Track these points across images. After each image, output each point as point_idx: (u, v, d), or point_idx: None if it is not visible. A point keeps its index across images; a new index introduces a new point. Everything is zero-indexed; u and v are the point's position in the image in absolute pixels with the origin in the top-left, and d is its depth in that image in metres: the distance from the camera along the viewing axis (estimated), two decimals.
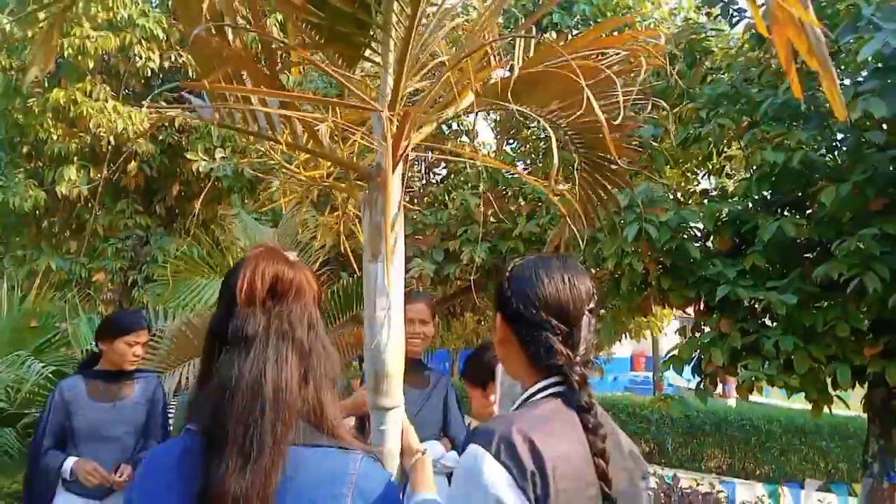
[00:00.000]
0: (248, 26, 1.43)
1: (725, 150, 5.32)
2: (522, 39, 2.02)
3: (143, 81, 8.39)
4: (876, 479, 4.36)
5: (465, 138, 7.80)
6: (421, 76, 1.79)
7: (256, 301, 1.16)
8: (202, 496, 1.08)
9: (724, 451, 11.26)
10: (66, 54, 7.15)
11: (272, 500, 1.08)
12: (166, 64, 8.08)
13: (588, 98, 1.64)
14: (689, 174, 6.29)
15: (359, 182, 1.78)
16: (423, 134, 1.68)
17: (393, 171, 1.53)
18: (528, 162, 7.36)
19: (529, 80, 1.77)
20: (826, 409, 4.33)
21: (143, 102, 7.77)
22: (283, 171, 1.81)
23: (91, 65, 7.44)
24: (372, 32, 1.54)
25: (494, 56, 1.88)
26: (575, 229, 2.64)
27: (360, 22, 1.48)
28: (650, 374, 19.33)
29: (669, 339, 12.28)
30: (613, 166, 2.48)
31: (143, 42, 7.72)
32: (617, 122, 1.84)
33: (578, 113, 1.79)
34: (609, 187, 2.56)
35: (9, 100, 7.74)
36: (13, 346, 5.81)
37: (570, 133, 2.20)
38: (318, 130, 1.62)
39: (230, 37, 1.57)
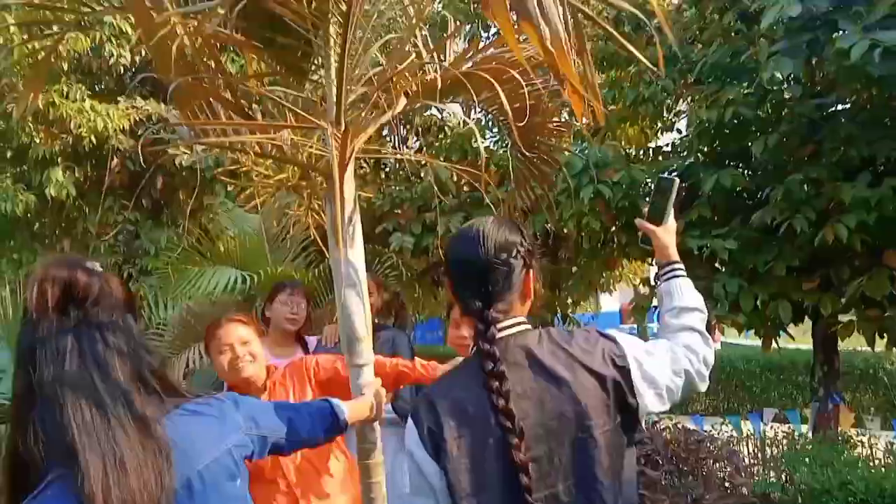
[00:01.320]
0: (215, 72, 1.76)
1: (674, 107, 5.66)
2: (451, 42, 2.35)
3: (115, 77, 8.60)
4: (822, 403, 4.82)
5: (433, 111, 8.07)
6: (362, 83, 2.13)
7: (51, 309, 1.15)
8: None
9: (707, 394, 11.82)
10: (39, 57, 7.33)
11: (156, 486, 1.09)
12: (136, 59, 8.27)
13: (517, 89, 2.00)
14: (646, 130, 6.64)
15: (320, 180, 2.12)
16: (367, 135, 2.01)
17: (342, 173, 1.87)
18: (495, 131, 7.66)
19: (459, 78, 2.11)
20: (774, 344, 4.75)
21: (119, 99, 8.03)
22: (255, 174, 2.15)
23: (65, 66, 7.64)
24: (313, 60, 1.87)
25: (428, 60, 2.20)
26: (525, 195, 3.04)
27: (304, 51, 1.80)
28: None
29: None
30: (544, 142, 2.87)
31: (113, 39, 7.90)
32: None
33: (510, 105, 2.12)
34: (545, 158, 2.93)
35: None
36: None
37: (501, 119, 2.55)
38: (279, 141, 1.96)
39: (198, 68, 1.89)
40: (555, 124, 2.84)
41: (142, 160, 7.96)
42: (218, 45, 1.81)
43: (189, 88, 1.81)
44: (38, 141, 7.87)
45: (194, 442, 1.22)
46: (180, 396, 1.26)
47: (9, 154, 8.38)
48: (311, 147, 2.04)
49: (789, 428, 4.59)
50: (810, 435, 4.48)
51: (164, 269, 6.25)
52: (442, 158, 7.45)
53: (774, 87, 4.41)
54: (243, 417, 1.36)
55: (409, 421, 1.30)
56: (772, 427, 4.92)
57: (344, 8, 1.65)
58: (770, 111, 4.51)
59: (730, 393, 11.55)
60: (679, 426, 3.33)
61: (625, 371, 1.30)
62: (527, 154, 3.03)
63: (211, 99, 1.77)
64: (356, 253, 2.08)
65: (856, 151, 4.01)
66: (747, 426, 5.27)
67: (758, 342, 4.91)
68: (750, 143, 4.51)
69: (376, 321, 3.41)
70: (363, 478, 2.11)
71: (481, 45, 2.28)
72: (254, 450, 1.36)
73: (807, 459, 3.61)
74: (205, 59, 1.72)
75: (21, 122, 7.82)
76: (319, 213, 2.41)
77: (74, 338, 1.15)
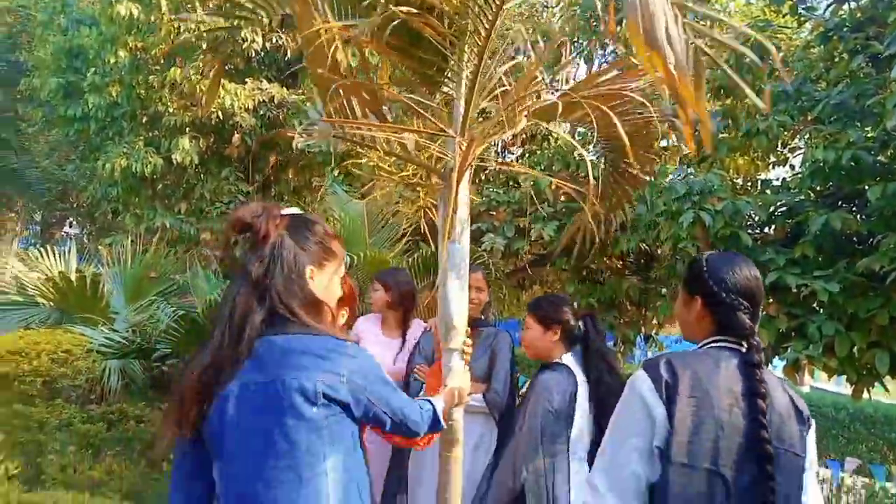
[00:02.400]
0: (365, 79, 1.97)
1: (790, 142, 5.52)
2: (568, 67, 2.48)
3: (246, 59, 9.21)
4: None
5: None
6: (487, 99, 2.29)
7: (231, 241, 1.61)
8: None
9: None
10: (182, 37, 7.97)
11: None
12: (267, 45, 8.82)
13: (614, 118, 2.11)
14: (757, 162, 6.49)
15: (436, 181, 2.31)
16: (484, 146, 2.18)
17: (461, 177, 2.05)
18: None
19: (572, 101, 2.24)
20: (865, 394, 4.58)
21: (247, 80, 8.60)
22: (380, 171, 2.36)
23: (204, 45, 8.25)
24: (447, 73, 2.05)
25: (549, 87, 2.35)
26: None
27: (439, 65, 1.98)
28: None
29: None
30: (633, 171, 2.99)
31: (249, 25, 8.44)
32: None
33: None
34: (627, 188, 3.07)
35: (132, 76, 8.69)
36: (136, 293, 6.76)
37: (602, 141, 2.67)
38: (405, 142, 2.15)
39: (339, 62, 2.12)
40: (651, 151, 2.95)
41: (261, 137, 8.51)
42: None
43: (331, 85, 2.03)
44: (171, 111, 8.54)
45: (294, 357, 1.49)
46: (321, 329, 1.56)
47: (144, 119, 9.13)
48: (433, 150, 2.23)
49: (870, 480, 4.41)
50: (893, 490, 4.31)
51: None
52: (544, 167, 7.56)
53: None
54: (353, 372, 1.52)
55: (642, 372, 1.62)
56: (851, 476, 4.75)
57: (482, 31, 1.82)
58: (892, 157, 4.35)
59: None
60: None
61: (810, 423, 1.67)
62: (617, 174, 3.16)
63: (351, 94, 1.98)
64: (463, 249, 2.26)
65: None
66: (825, 473, 5.11)
67: (849, 390, 4.74)
68: (866, 187, 4.37)
69: (482, 316, 3.58)
70: (443, 450, 2.30)
71: (599, 68, 2.40)
72: (349, 402, 1.51)
73: None
74: (353, 64, 1.93)
75: (159, 92, 8.53)
76: (430, 209, 2.60)
77: (240, 265, 1.57)
